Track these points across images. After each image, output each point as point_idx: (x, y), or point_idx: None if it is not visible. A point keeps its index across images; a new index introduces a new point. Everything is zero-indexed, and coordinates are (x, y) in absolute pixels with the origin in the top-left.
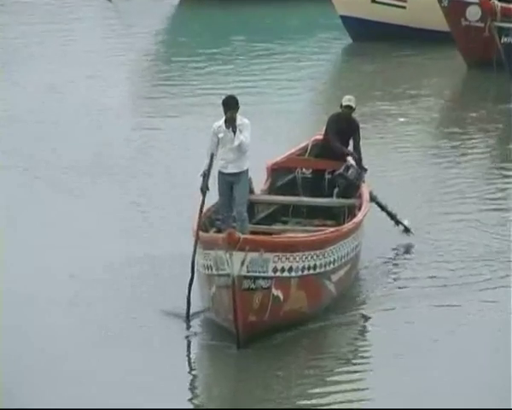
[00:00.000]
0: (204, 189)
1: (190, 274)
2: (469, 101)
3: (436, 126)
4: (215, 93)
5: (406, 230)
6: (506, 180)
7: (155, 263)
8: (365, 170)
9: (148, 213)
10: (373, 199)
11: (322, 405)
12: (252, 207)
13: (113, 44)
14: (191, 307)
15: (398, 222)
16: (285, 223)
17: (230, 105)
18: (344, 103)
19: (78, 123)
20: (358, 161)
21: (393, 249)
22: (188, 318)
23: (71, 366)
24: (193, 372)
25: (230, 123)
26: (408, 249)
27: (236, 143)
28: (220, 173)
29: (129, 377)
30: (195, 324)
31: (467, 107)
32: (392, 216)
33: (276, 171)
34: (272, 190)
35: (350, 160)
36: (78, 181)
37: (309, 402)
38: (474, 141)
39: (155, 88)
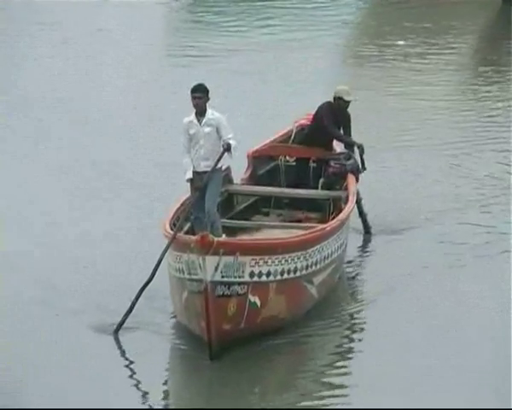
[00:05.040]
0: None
1: (149, 276)
2: (502, 34)
3: (466, 59)
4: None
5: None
6: None
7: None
8: (365, 169)
9: (149, 214)
10: (357, 201)
11: None
12: (231, 197)
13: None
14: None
15: (368, 233)
16: (266, 214)
17: (197, 90)
18: (337, 95)
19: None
20: (361, 152)
21: (379, 241)
22: (119, 326)
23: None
24: (162, 386)
25: (197, 109)
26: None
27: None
28: (192, 172)
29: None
30: (165, 331)
31: (498, 40)
32: (366, 227)
33: (257, 159)
34: (253, 179)
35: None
36: (82, 180)
37: None
38: (500, 75)
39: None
